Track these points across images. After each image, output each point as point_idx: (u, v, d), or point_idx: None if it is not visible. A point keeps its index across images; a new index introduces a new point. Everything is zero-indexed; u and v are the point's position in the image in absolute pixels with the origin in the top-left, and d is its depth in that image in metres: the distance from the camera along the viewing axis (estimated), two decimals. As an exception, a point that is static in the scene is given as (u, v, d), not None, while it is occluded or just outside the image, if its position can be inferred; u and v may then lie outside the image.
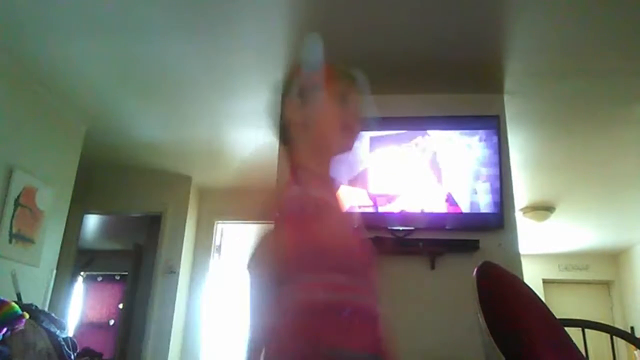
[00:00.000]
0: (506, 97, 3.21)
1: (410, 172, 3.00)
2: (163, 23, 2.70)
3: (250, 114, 3.61)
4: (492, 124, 3.04)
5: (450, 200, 2.92)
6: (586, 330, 2.02)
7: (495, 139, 3.01)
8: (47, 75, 3.20)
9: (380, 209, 2.93)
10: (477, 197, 2.92)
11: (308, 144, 1.28)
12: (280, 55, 2.93)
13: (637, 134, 3.67)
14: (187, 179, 4.86)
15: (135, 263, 5.38)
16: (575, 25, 2.62)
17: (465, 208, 2.90)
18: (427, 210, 2.91)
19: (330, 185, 1.27)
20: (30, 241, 3.20)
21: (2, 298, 2.42)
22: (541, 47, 2.81)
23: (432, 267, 2.85)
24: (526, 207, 5.12)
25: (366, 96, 1.36)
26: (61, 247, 3.61)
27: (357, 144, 1.32)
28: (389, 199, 2.94)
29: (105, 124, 3.87)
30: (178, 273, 4.58)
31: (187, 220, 4.77)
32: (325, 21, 2.63)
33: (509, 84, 3.13)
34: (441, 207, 2.92)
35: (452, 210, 2.91)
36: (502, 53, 2.87)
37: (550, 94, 3.25)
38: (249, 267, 1.17)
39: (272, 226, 1.18)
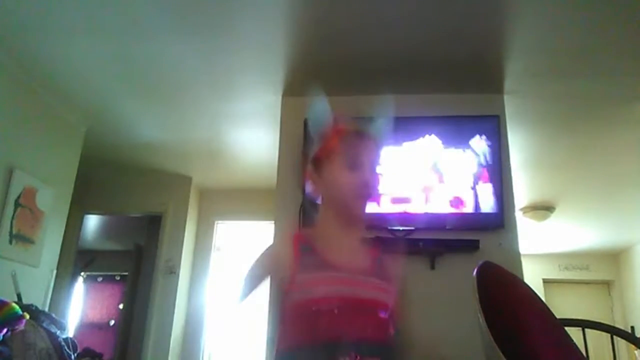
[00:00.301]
0: (506, 97, 3.20)
1: (410, 172, 3.00)
2: (163, 23, 2.70)
3: (250, 114, 3.61)
4: (492, 124, 3.03)
5: (450, 200, 2.92)
6: (586, 330, 2.02)
7: (495, 138, 3.01)
8: (47, 75, 3.20)
9: (381, 209, 2.93)
10: (478, 197, 2.92)
11: (328, 211, 1.33)
12: (280, 55, 2.93)
13: (637, 134, 3.67)
14: (187, 179, 4.86)
15: (136, 263, 5.38)
16: (576, 25, 2.62)
17: (465, 208, 2.90)
18: (428, 210, 2.91)
19: (355, 253, 1.32)
20: (31, 241, 3.20)
21: (2, 298, 2.42)
22: (541, 47, 2.81)
23: (432, 267, 2.85)
24: (526, 207, 5.12)
25: (381, 145, 1.38)
26: (61, 248, 3.60)
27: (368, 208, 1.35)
28: (390, 199, 2.94)
29: (105, 124, 3.87)
30: (178, 273, 4.58)
31: (187, 220, 4.77)
32: (324, 21, 2.63)
33: (509, 83, 3.12)
34: (442, 207, 2.91)
35: (452, 210, 2.91)
36: (502, 53, 2.87)
37: (551, 93, 3.25)
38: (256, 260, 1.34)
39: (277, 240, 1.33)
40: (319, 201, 1.37)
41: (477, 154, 2.99)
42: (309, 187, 1.38)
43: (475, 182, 2.94)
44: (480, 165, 2.97)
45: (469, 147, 3.00)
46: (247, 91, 3.32)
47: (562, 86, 3.15)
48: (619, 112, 3.41)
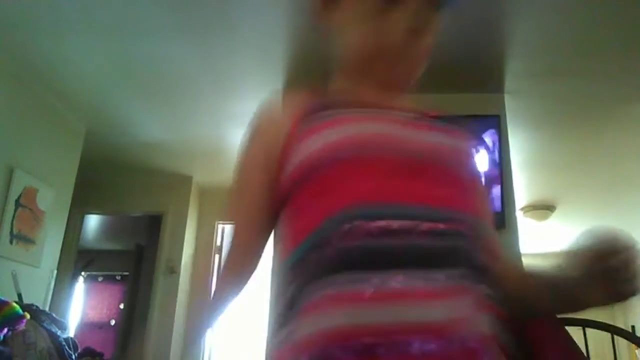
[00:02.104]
0: (507, 97, 3.20)
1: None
2: (163, 23, 2.70)
3: (250, 113, 3.54)
4: (493, 124, 3.03)
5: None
6: (587, 329, 2.02)
7: (495, 138, 3.00)
8: (47, 75, 3.20)
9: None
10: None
11: (340, 60, 0.85)
12: (280, 55, 2.93)
13: (637, 133, 3.67)
14: (188, 179, 4.86)
15: (136, 263, 5.39)
16: (576, 25, 2.62)
17: (465, 208, 2.90)
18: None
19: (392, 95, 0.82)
20: (31, 241, 3.20)
21: (3, 298, 2.42)
22: (542, 47, 2.81)
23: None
24: (527, 207, 5.12)
25: None
26: (62, 248, 3.61)
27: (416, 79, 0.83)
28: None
29: (106, 124, 3.87)
30: (179, 273, 4.58)
31: (188, 220, 4.77)
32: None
33: (509, 83, 3.12)
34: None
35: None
36: (502, 53, 2.87)
37: (551, 93, 3.25)
38: None
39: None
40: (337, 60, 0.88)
41: (477, 154, 2.98)
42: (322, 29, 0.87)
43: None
44: (480, 165, 2.96)
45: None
46: (248, 90, 3.32)
47: (563, 86, 3.15)
48: (619, 111, 3.41)
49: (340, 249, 0.63)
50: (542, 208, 5.10)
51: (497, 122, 3.03)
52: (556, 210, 5.18)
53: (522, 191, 4.70)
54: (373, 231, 0.62)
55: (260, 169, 0.78)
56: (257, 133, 0.84)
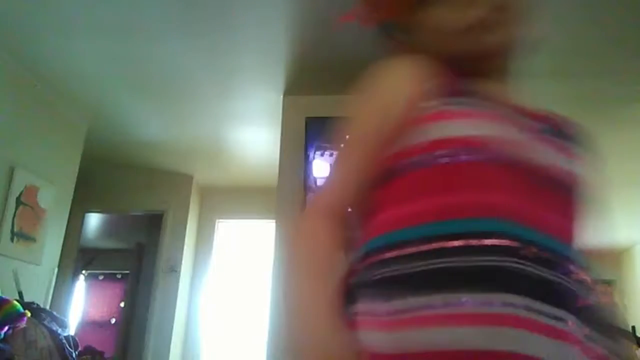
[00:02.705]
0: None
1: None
2: (164, 23, 2.70)
3: (251, 112, 3.61)
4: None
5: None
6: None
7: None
8: (48, 74, 3.20)
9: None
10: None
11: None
12: (281, 54, 2.93)
13: (637, 133, 3.66)
14: (189, 178, 4.86)
15: (137, 262, 5.39)
16: (579, 25, 2.61)
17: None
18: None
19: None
20: (32, 239, 3.20)
21: (3, 296, 2.42)
22: (544, 47, 2.80)
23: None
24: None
25: None
26: (63, 246, 3.61)
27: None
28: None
29: (107, 123, 3.88)
30: (179, 272, 4.59)
31: (189, 218, 4.78)
32: (325, 20, 2.63)
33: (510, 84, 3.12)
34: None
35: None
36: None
37: (551, 94, 3.25)
38: None
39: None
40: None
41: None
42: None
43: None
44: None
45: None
46: (248, 90, 3.32)
47: (563, 87, 3.14)
48: (622, 111, 3.40)
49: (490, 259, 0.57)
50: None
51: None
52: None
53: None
54: (527, 255, 0.57)
55: (374, 127, 0.71)
56: (377, 91, 0.75)
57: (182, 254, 4.65)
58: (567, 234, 0.64)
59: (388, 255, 0.61)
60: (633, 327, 5.56)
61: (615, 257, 6.82)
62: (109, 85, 3.37)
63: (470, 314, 0.53)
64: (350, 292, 0.63)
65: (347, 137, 0.74)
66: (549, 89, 3.20)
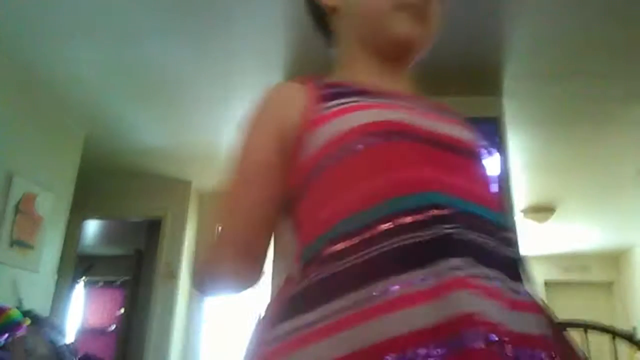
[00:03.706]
0: (505, 99, 3.21)
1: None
2: (161, 27, 2.70)
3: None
4: (492, 126, 3.03)
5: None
6: (588, 331, 2.02)
7: (495, 141, 3.00)
8: (45, 80, 3.20)
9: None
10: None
11: (348, 37, 0.81)
12: (279, 57, 2.93)
13: (636, 134, 3.67)
14: (187, 184, 4.86)
15: (136, 268, 5.38)
16: (573, 27, 2.62)
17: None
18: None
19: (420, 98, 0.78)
20: (30, 247, 3.19)
21: (2, 304, 2.41)
22: (539, 49, 2.81)
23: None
24: (527, 209, 5.12)
25: None
26: (61, 253, 3.60)
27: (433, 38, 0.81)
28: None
29: (105, 129, 3.87)
30: (178, 278, 4.58)
31: (188, 225, 4.77)
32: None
33: (507, 86, 3.13)
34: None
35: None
36: (500, 55, 2.88)
37: (549, 95, 3.26)
38: None
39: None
40: (339, 53, 0.85)
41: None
42: (319, 20, 0.88)
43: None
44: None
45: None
46: (247, 95, 3.31)
47: (561, 87, 3.15)
48: (617, 112, 3.41)
49: (434, 232, 0.57)
50: (543, 210, 5.11)
51: (496, 125, 3.03)
52: (556, 212, 5.17)
53: (522, 193, 4.70)
54: (461, 221, 0.58)
55: (272, 150, 0.69)
56: (267, 110, 0.75)
57: (181, 259, 4.64)
58: (484, 198, 0.65)
59: (333, 249, 0.59)
60: (634, 328, 5.56)
61: (614, 259, 6.83)
62: (107, 91, 3.37)
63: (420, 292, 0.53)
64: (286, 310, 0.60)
65: (243, 165, 0.72)
66: (547, 91, 3.21)
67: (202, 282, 0.76)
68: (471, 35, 2.71)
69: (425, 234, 0.56)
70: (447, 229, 0.57)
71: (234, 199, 0.72)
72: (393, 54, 0.79)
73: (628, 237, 6.10)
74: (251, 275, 0.73)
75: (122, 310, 5.97)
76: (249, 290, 0.74)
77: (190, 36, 2.77)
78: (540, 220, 5.19)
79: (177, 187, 4.84)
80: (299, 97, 0.72)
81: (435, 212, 0.58)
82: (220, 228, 0.71)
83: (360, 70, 0.78)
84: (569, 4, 2.47)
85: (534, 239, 5.95)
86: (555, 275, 6.76)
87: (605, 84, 3.12)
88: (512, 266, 0.62)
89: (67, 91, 3.33)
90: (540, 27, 2.65)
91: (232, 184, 0.73)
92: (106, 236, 6.33)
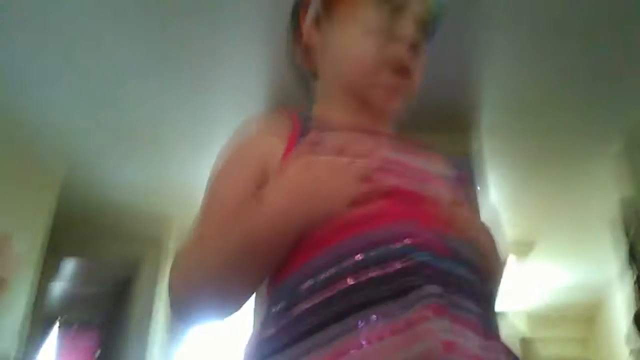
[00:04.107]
0: (483, 135, 3.26)
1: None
2: (144, 67, 2.72)
3: None
4: (469, 163, 3.08)
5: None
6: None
7: (473, 177, 3.04)
8: (25, 118, 3.17)
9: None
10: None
11: (329, 76, 0.81)
12: (261, 95, 2.96)
13: (613, 170, 3.72)
14: (168, 221, 4.80)
15: (113, 309, 5.25)
16: (547, 65, 2.71)
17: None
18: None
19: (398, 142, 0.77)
20: (5, 288, 3.11)
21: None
22: (514, 86, 2.89)
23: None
24: (507, 244, 5.12)
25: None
26: (36, 294, 3.51)
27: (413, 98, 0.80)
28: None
29: (83, 168, 3.84)
30: (156, 318, 4.47)
31: (167, 262, 4.69)
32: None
33: (483, 122, 3.19)
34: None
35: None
36: (475, 92, 2.95)
37: (527, 131, 3.32)
38: None
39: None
40: (318, 86, 0.85)
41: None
42: (300, 54, 0.87)
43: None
44: (458, 203, 2.98)
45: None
46: (228, 131, 3.31)
47: (538, 123, 3.22)
48: (595, 148, 3.47)
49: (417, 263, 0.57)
50: (522, 246, 5.12)
51: (472, 161, 3.07)
52: (536, 249, 5.19)
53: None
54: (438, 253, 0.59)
55: (250, 191, 0.69)
56: (251, 145, 0.77)
57: (160, 299, 4.54)
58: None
59: (302, 287, 0.58)
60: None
61: (588, 313, 6.69)
62: (86, 130, 3.35)
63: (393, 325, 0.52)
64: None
65: (216, 206, 0.74)
66: (524, 127, 3.27)
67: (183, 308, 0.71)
68: (448, 72, 2.78)
69: (397, 265, 0.56)
70: (419, 257, 0.57)
71: (203, 243, 0.71)
72: (371, 109, 0.79)
73: (600, 290, 5.99)
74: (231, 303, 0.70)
75: (98, 353, 5.80)
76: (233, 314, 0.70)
77: (170, 75, 2.79)
78: (519, 257, 5.19)
79: (158, 224, 4.77)
80: (283, 130, 0.72)
81: (407, 241, 0.58)
82: (190, 269, 0.69)
83: (339, 109, 0.78)
84: (543, 45, 2.55)
85: (506, 292, 5.88)
86: (531, 331, 6.58)
87: (579, 120, 3.19)
88: (487, 302, 0.62)
89: (45, 130, 3.30)
90: (516, 66, 2.73)
91: (203, 226, 0.74)
92: (83, 276, 6.18)
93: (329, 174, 0.63)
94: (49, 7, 2.30)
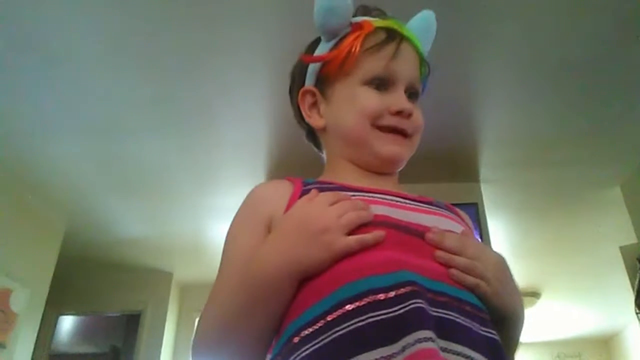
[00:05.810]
0: (483, 186, 3.28)
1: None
2: (143, 120, 2.75)
3: (232, 208, 3.54)
4: (471, 212, 3.08)
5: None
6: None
7: (475, 226, 3.03)
8: (27, 173, 3.18)
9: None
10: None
11: (334, 151, 0.85)
12: (261, 149, 3.00)
13: (616, 217, 3.73)
14: (168, 275, 4.76)
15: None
16: (545, 117, 2.76)
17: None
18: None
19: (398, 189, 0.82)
20: (2, 346, 3.05)
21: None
22: (513, 138, 2.93)
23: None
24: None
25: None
26: (34, 351, 3.43)
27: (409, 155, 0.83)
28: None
29: (85, 222, 3.83)
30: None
31: (168, 318, 4.61)
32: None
33: (484, 172, 3.21)
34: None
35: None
36: (476, 143, 2.98)
37: (527, 181, 3.34)
38: None
39: None
40: (324, 149, 0.89)
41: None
42: (305, 130, 0.92)
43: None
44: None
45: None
46: (230, 185, 3.35)
47: (538, 174, 3.25)
48: (593, 196, 3.49)
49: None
50: (527, 295, 5.06)
51: (475, 211, 3.08)
52: (542, 297, 5.13)
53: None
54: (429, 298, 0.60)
55: (260, 242, 0.72)
56: (255, 207, 0.82)
57: (159, 356, 4.44)
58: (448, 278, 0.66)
59: (302, 334, 0.59)
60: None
61: (604, 343, 6.70)
62: (88, 184, 3.37)
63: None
64: None
65: (228, 269, 0.79)
66: (523, 177, 3.30)
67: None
68: (447, 124, 2.81)
69: (394, 310, 0.57)
70: (416, 303, 0.57)
71: (218, 304, 0.77)
72: (378, 168, 0.82)
73: (616, 320, 6.01)
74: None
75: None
76: None
77: (171, 128, 2.82)
78: (526, 306, 5.13)
79: (158, 279, 4.73)
80: (285, 191, 0.76)
81: (405, 289, 0.58)
82: (205, 330, 0.75)
83: (346, 175, 0.80)
84: (539, 97, 2.61)
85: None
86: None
87: (577, 170, 3.22)
88: (486, 346, 0.61)
89: (47, 184, 3.31)
90: (513, 117, 2.77)
91: (215, 286, 0.80)
92: (82, 333, 6.06)
93: (316, 220, 0.66)
94: (52, 64, 2.35)
